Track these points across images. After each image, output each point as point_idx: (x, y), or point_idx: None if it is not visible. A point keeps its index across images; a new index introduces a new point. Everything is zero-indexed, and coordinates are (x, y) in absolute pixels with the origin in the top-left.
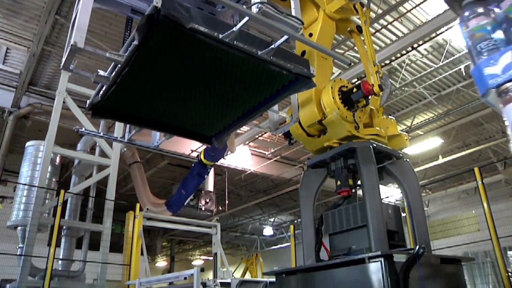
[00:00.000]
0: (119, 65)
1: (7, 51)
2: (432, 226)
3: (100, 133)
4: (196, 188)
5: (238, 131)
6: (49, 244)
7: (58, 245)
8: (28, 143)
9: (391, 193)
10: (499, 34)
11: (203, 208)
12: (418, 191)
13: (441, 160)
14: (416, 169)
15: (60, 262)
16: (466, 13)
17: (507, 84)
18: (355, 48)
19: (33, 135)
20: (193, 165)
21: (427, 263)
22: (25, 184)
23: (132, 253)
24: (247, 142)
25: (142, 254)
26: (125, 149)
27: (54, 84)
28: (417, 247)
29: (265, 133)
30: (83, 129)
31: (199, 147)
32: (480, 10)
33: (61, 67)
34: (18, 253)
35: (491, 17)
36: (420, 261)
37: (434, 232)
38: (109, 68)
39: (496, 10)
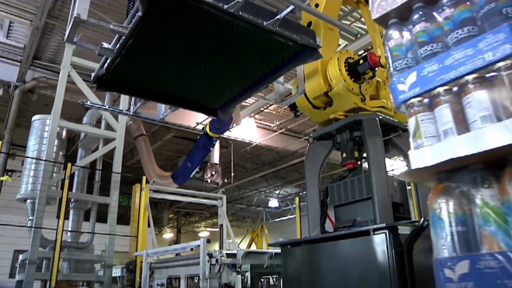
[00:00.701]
0: (123, 37)
1: (10, 25)
2: None
3: (105, 106)
4: (202, 161)
5: (244, 103)
6: (58, 216)
7: (66, 217)
8: (34, 117)
9: (396, 166)
10: (411, 54)
11: (209, 181)
12: None
13: None
14: None
15: (69, 234)
16: (389, 32)
17: (412, 100)
18: (362, 19)
19: (39, 109)
20: (198, 137)
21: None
22: (32, 158)
23: (139, 225)
24: (252, 115)
25: (149, 226)
26: (130, 122)
27: (59, 58)
28: (422, 219)
29: (271, 105)
30: (88, 103)
31: (205, 120)
32: (399, 31)
33: (65, 39)
34: (28, 225)
35: (407, 39)
36: (424, 233)
37: None
38: (113, 41)
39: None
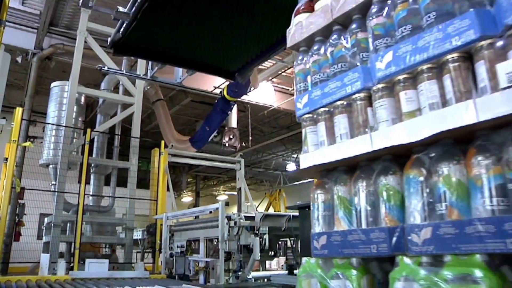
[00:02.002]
0: (138, 1)
1: None
2: None
3: (122, 71)
4: (220, 125)
5: (261, 66)
6: (79, 181)
7: (87, 182)
8: (53, 84)
9: None
10: (308, 80)
11: (226, 144)
12: None
13: None
14: None
15: (90, 198)
16: (298, 57)
17: (303, 116)
18: None
19: (57, 76)
20: (216, 101)
21: None
22: (52, 124)
23: (158, 188)
24: (270, 78)
25: (168, 189)
26: (148, 87)
27: (75, 24)
28: None
29: (289, 68)
30: (105, 68)
31: (222, 84)
32: (303, 58)
33: (80, 4)
34: (52, 190)
35: (306, 67)
36: None
37: None
38: (129, 4)
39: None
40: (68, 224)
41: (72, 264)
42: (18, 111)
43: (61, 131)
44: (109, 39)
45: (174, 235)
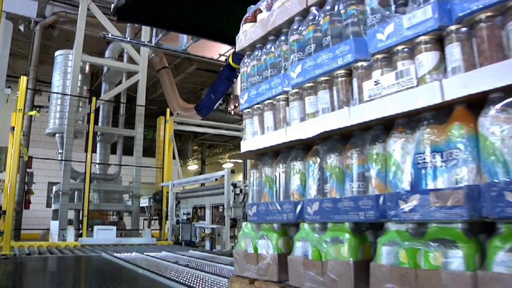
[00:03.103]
0: None
1: None
2: None
3: (126, 38)
4: (225, 92)
5: None
6: (86, 149)
7: (94, 150)
8: (57, 53)
9: None
10: (249, 80)
11: (232, 112)
12: None
13: None
14: None
15: (97, 166)
16: (245, 60)
17: (244, 110)
18: None
19: (61, 45)
20: (221, 69)
21: None
22: (58, 93)
23: (164, 156)
24: None
25: (174, 158)
26: (153, 54)
27: None
28: None
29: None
30: (109, 35)
31: (228, 51)
32: (245, 60)
33: None
34: (59, 159)
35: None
36: None
37: None
38: None
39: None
40: (76, 192)
41: (81, 231)
42: (23, 79)
43: (66, 100)
44: (112, 6)
45: (180, 202)
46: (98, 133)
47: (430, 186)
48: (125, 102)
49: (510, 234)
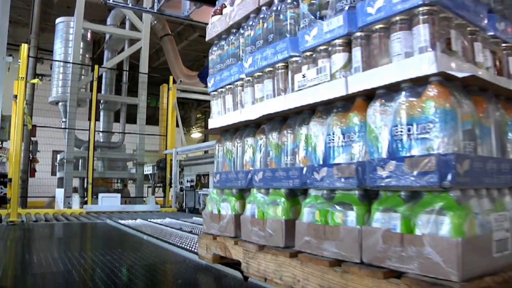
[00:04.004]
0: None
1: None
2: None
3: (128, 4)
4: None
5: None
6: (89, 118)
7: (97, 119)
8: (58, 20)
9: None
10: (219, 65)
11: None
12: None
13: None
14: None
15: (101, 134)
16: (213, 48)
17: (211, 93)
18: None
19: (62, 12)
20: None
21: None
22: (60, 61)
23: (167, 124)
24: None
25: (177, 125)
26: (155, 21)
27: None
28: None
29: None
30: (110, 1)
31: None
32: (214, 48)
33: None
34: (62, 127)
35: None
36: None
37: None
38: None
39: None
40: (80, 160)
41: (85, 199)
42: (24, 47)
43: (69, 68)
44: None
45: (184, 169)
46: (101, 101)
47: (335, 161)
48: (127, 70)
49: (386, 199)
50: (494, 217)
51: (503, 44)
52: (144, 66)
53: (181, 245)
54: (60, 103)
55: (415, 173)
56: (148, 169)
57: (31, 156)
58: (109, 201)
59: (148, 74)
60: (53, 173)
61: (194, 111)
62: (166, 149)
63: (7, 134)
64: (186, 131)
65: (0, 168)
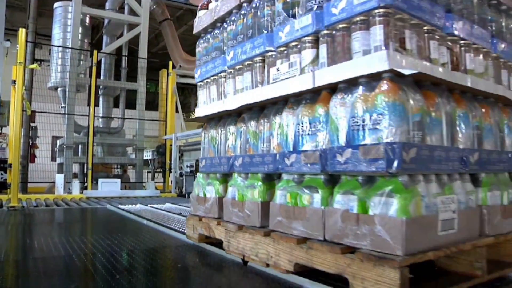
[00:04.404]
0: None
1: None
2: None
3: None
4: None
5: None
6: (89, 103)
7: (97, 104)
8: (56, 4)
9: None
10: (205, 57)
11: None
12: None
13: None
14: None
15: (100, 119)
16: (200, 41)
17: (198, 83)
18: None
19: None
20: None
21: None
22: (58, 46)
23: (167, 109)
24: None
25: (177, 111)
26: (154, 6)
27: None
28: None
29: None
30: None
31: None
32: (200, 41)
33: None
34: (62, 112)
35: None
36: None
37: None
38: None
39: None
40: (79, 146)
41: (85, 184)
42: (22, 32)
43: (67, 53)
44: None
45: (183, 155)
46: (101, 87)
47: (303, 148)
48: (127, 55)
49: (345, 183)
50: (441, 200)
51: (462, 41)
52: (143, 51)
53: (180, 229)
54: (59, 89)
55: (367, 159)
56: (147, 155)
57: (30, 142)
58: (109, 187)
59: (148, 59)
60: (53, 158)
61: (193, 96)
62: (165, 134)
63: (7, 119)
64: (186, 116)
65: (0, 153)
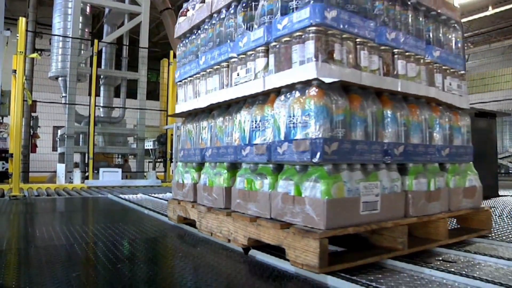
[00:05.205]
0: None
1: None
2: (470, 81)
3: None
4: None
5: None
6: (90, 93)
7: (97, 94)
8: None
9: None
10: (185, 59)
11: None
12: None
13: (490, 11)
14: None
15: (101, 109)
16: (180, 45)
17: (178, 82)
18: None
19: None
20: None
21: None
22: (59, 36)
23: (168, 99)
24: None
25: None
26: None
27: None
28: None
29: None
30: None
31: None
32: (180, 45)
33: None
34: (63, 102)
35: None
36: None
37: (470, 86)
38: None
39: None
40: (81, 136)
41: (87, 174)
42: (22, 20)
43: (68, 42)
44: None
45: None
46: (101, 76)
47: (255, 142)
48: (127, 44)
49: (287, 170)
50: (364, 185)
51: (395, 50)
52: (144, 41)
53: None
54: (60, 78)
55: (298, 151)
56: (148, 144)
57: (31, 132)
58: (110, 176)
59: (148, 49)
60: (54, 148)
61: None
62: (166, 124)
63: (7, 109)
64: None
65: (1, 143)
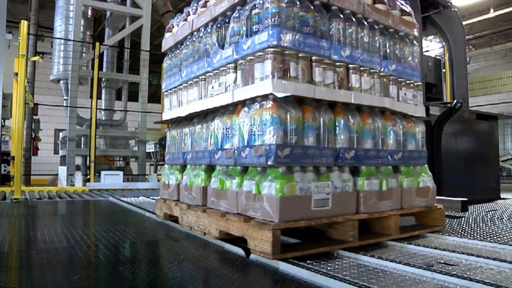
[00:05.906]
0: None
1: None
2: (471, 83)
3: None
4: None
5: None
6: (91, 96)
7: (99, 97)
8: None
9: (431, 48)
10: (172, 71)
11: None
12: (463, 44)
13: (492, 14)
14: None
15: (103, 112)
16: (166, 58)
17: (165, 92)
18: None
19: None
20: None
21: (463, 117)
22: (60, 39)
23: None
24: None
25: None
26: None
27: None
28: (455, 101)
29: None
30: None
31: None
32: (166, 58)
33: None
34: (64, 105)
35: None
36: (456, 115)
37: (473, 89)
38: None
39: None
40: (82, 138)
41: (88, 176)
42: (24, 24)
43: (70, 45)
44: None
45: None
46: (103, 79)
47: (225, 147)
48: (129, 47)
49: (250, 172)
50: (316, 185)
51: (350, 65)
52: (145, 44)
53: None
54: (61, 81)
55: (257, 155)
56: (150, 147)
57: (33, 135)
58: (111, 179)
59: (150, 52)
60: (56, 151)
61: None
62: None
63: (9, 112)
64: None
65: (3, 146)
